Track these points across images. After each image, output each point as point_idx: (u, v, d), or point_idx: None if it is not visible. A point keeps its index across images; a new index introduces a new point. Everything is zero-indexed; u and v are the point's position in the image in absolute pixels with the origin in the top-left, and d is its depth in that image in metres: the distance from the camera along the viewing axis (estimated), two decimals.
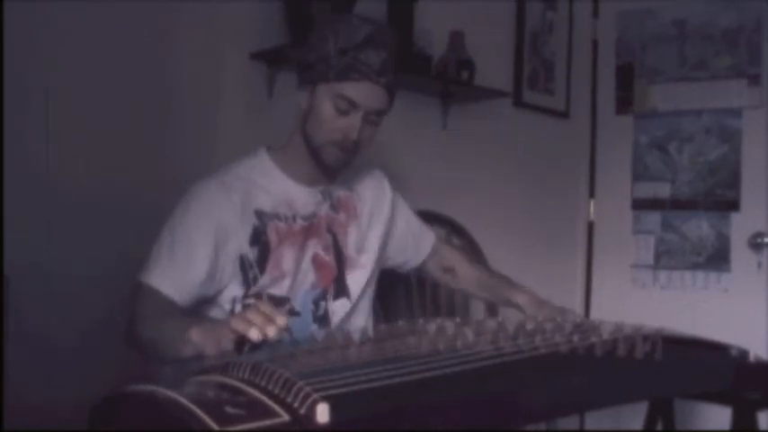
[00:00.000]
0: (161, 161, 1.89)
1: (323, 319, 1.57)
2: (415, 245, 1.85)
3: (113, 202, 1.79)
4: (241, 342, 1.15)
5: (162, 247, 1.45)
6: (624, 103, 3.12)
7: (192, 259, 1.43)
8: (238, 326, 1.13)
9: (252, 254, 1.49)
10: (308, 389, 0.81)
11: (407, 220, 1.83)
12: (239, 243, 1.48)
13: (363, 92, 1.47)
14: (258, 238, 1.50)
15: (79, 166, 1.76)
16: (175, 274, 1.42)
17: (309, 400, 0.80)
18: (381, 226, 1.72)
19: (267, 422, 0.78)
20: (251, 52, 2.06)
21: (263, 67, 2.09)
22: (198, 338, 1.20)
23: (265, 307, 1.16)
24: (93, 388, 0.93)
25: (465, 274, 1.87)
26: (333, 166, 1.56)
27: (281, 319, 1.13)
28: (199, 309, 1.50)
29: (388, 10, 2.28)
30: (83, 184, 1.76)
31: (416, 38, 2.35)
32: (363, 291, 1.65)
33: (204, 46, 1.99)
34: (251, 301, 1.48)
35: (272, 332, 1.10)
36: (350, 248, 1.64)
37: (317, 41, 1.49)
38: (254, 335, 1.10)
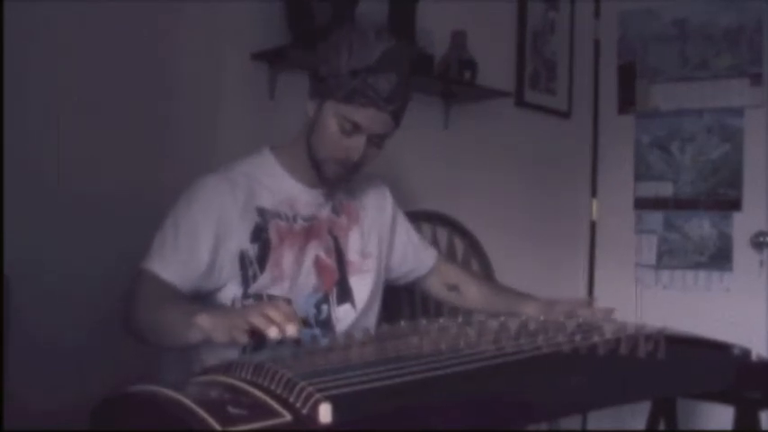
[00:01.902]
0: (161, 161, 1.88)
1: (325, 324, 1.56)
2: (417, 256, 1.84)
3: (113, 202, 1.79)
4: (253, 337, 1.12)
5: (165, 235, 1.44)
6: (626, 103, 3.12)
7: (196, 249, 1.43)
8: (256, 320, 1.11)
9: (252, 251, 1.48)
10: (310, 389, 0.81)
11: (407, 232, 1.82)
12: (240, 239, 1.47)
13: (369, 117, 1.45)
14: (259, 236, 1.49)
15: (79, 165, 1.76)
16: (178, 262, 1.42)
17: (312, 401, 0.80)
18: (382, 233, 1.72)
19: (270, 422, 0.78)
20: (252, 52, 2.06)
21: (264, 68, 2.09)
22: (206, 324, 1.18)
23: (284, 307, 1.15)
24: (94, 388, 0.93)
25: (470, 291, 1.84)
26: (332, 181, 1.55)
27: (294, 327, 1.11)
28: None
29: (390, 10, 2.28)
30: (83, 184, 1.76)
31: (418, 38, 2.35)
32: (370, 301, 1.64)
33: (204, 46, 1.98)
34: (250, 301, 1.48)
35: (291, 331, 1.08)
36: (351, 252, 1.63)
37: (330, 54, 1.46)
38: (273, 333, 1.08)
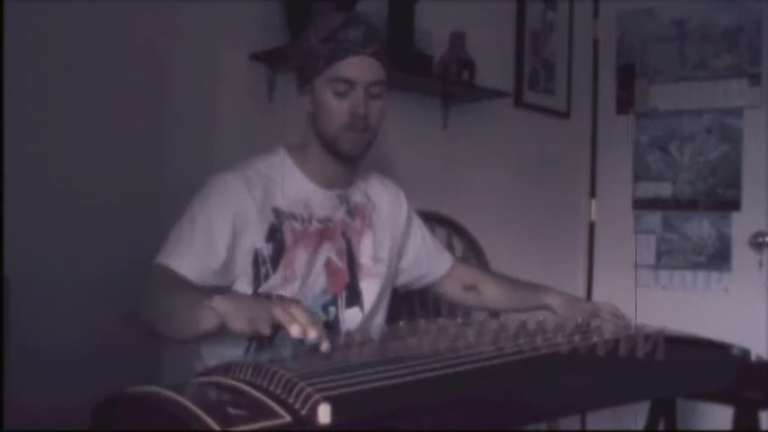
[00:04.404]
0: (160, 162, 1.88)
1: (333, 327, 1.55)
2: (430, 262, 1.83)
3: (112, 204, 1.79)
4: (275, 332, 1.12)
5: (182, 231, 1.44)
6: (625, 103, 3.12)
7: (212, 245, 1.43)
8: (281, 316, 1.10)
9: (266, 250, 1.48)
10: (309, 389, 0.81)
11: (423, 237, 1.82)
12: (255, 237, 1.47)
13: (354, 66, 1.48)
14: (273, 236, 1.50)
15: (79, 167, 1.76)
16: (194, 258, 1.41)
17: (311, 401, 0.80)
18: (395, 238, 1.72)
19: (269, 423, 0.78)
20: (250, 53, 2.06)
21: (263, 68, 2.09)
22: (223, 308, 1.16)
23: (308, 312, 1.14)
24: (94, 388, 0.93)
25: (489, 289, 1.84)
26: (351, 153, 1.54)
27: (316, 332, 1.10)
28: None
29: (389, 10, 2.28)
30: (82, 185, 1.76)
31: (417, 38, 2.35)
32: (377, 304, 1.64)
33: (203, 47, 1.98)
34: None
35: (312, 335, 1.07)
36: (364, 256, 1.63)
37: (302, 42, 1.54)
38: (295, 331, 1.07)
